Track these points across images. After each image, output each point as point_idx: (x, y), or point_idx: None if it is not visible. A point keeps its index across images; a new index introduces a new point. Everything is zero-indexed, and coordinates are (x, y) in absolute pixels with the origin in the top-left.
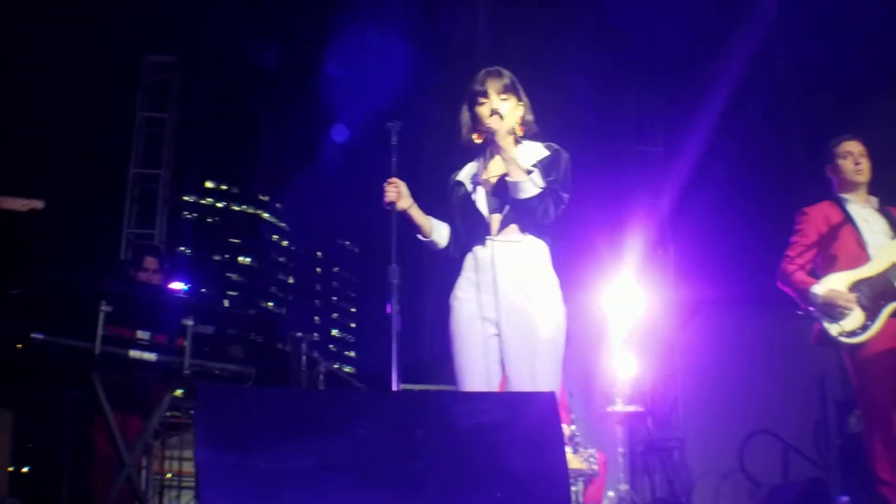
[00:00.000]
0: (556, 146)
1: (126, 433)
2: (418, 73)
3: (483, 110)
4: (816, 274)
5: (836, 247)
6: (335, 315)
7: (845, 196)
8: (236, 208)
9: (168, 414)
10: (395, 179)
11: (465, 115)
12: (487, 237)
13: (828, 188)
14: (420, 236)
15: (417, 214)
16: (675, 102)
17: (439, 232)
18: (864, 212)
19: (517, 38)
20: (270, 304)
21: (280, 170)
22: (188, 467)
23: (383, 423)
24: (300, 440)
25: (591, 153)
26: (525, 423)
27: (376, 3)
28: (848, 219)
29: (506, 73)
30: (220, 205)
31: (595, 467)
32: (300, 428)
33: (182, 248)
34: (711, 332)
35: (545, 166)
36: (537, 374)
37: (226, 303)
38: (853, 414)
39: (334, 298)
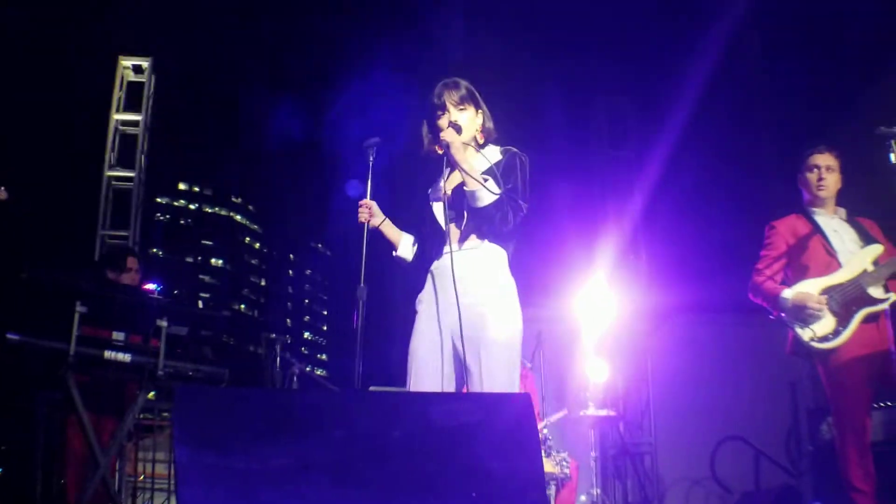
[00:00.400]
0: (513, 149)
1: (100, 434)
2: (396, 84)
3: (442, 123)
4: (788, 284)
5: (806, 257)
6: (307, 318)
7: (813, 208)
8: (209, 210)
9: (141, 416)
10: (365, 201)
11: (424, 129)
12: (445, 247)
13: (798, 197)
14: (394, 252)
15: (389, 231)
16: (647, 107)
17: (405, 246)
18: (832, 222)
19: (493, 48)
20: (242, 306)
21: (253, 172)
22: (161, 469)
23: (360, 424)
24: (277, 440)
25: (563, 157)
26: (500, 425)
27: (354, 14)
28: (816, 229)
29: (463, 83)
30: (192, 207)
31: (567, 471)
32: (277, 428)
33: (155, 250)
34: (683, 337)
35: (502, 172)
36: (494, 378)
37: (200, 304)
38: (825, 421)
39: (306, 301)
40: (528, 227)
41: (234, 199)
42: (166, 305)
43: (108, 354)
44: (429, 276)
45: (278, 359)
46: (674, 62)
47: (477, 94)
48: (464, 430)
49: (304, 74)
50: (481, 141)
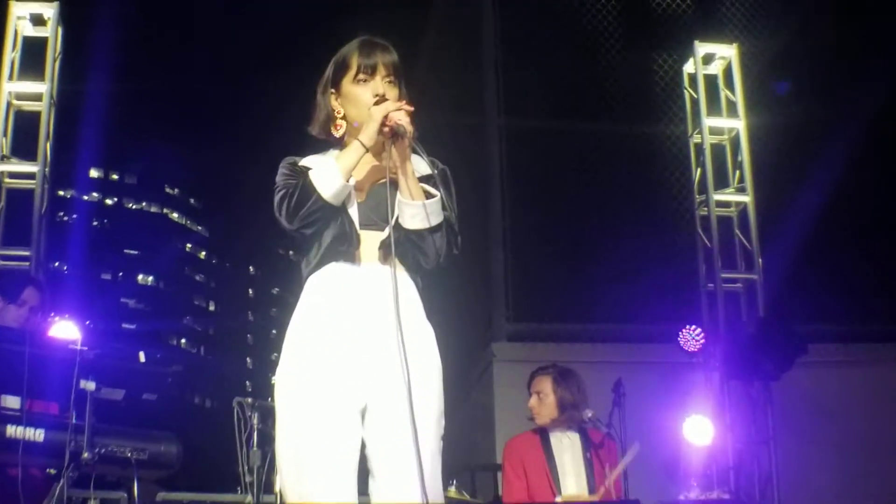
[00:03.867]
0: (441, 164)
1: None
2: None
3: (363, 91)
4: None
5: None
6: (274, 356)
7: None
8: (133, 206)
9: None
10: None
11: (326, 98)
12: (356, 262)
13: None
14: (325, 192)
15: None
16: None
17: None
18: None
19: None
20: (183, 340)
21: (196, 153)
22: None
23: None
24: None
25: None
26: None
27: None
28: None
29: (391, 48)
30: (110, 202)
31: None
32: None
33: (56, 264)
34: (821, 382)
35: (442, 190)
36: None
37: (141, 356)
38: None
39: (273, 332)
40: (596, 242)
41: (168, 191)
42: (92, 359)
43: (11, 431)
44: (322, 294)
45: (256, 431)
46: None
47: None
48: None
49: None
50: None
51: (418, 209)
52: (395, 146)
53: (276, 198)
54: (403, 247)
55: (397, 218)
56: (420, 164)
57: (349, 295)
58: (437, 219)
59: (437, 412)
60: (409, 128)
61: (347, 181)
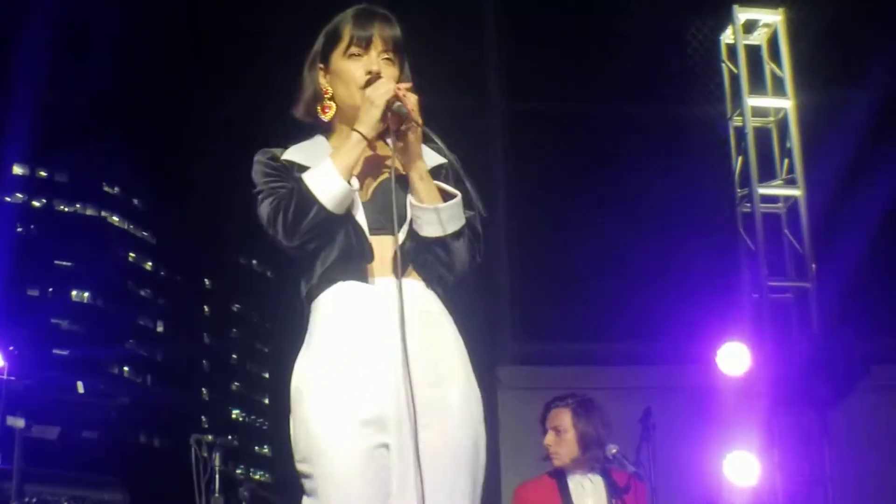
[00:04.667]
0: (453, 157)
1: None
2: None
3: (355, 67)
4: None
5: None
6: (236, 385)
7: None
8: (65, 209)
9: None
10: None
11: (316, 74)
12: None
13: None
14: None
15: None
16: None
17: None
18: None
19: None
20: (126, 368)
21: (139, 143)
22: None
23: None
24: None
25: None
26: None
27: None
28: None
29: (394, 20)
30: (37, 203)
31: None
32: None
33: None
34: (885, 410)
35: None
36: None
37: (80, 387)
38: None
39: (234, 357)
40: (617, 245)
41: (107, 189)
42: (21, 391)
43: None
44: (336, 322)
45: (217, 475)
46: None
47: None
48: None
49: None
50: None
51: (435, 214)
52: (403, 138)
53: (266, 209)
54: (422, 257)
55: (410, 223)
56: (428, 154)
57: (367, 320)
58: (458, 223)
59: (471, 445)
60: (417, 116)
61: (349, 183)
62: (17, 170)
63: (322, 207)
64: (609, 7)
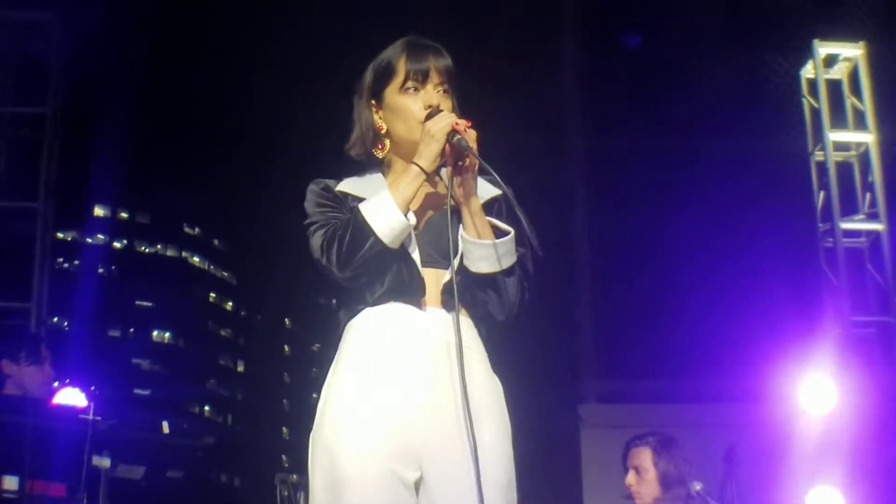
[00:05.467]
0: (507, 188)
1: None
2: None
3: (412, 102)
4: None
5: None
6: None
7: None
8: (147, 250)
9: None
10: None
11: (369, 111)
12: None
13: None
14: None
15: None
16: None
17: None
18: None
19: None
20: (207, 408)
21: (222, 186)
22: None
23: None
24: None
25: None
26: None
27: None
28: None
29: (445, 52)
30: (119, 245)
31: None
32: None
33: (55, 319)
34: None
35: (507, 222)
36: None
37: (165, 427)
38: None
39: (314, 396)
40: (699, 282)
41: (188, 231)
42: (106, 431)
43: None
44: (370, 342)
45: None
46: None
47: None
48: None
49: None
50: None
51: (488, 250)
52: (460, 172)
53: (318, 239)
54: (471, 292)
55: (461, 257)
56: (483, 186)
57: (403, 346)
58: (511, 259)
59: (505, 483)
60: (475, 151)
61: (406, 216)
62: (99, 211)
63: (378, 240)
64: (688, 43)
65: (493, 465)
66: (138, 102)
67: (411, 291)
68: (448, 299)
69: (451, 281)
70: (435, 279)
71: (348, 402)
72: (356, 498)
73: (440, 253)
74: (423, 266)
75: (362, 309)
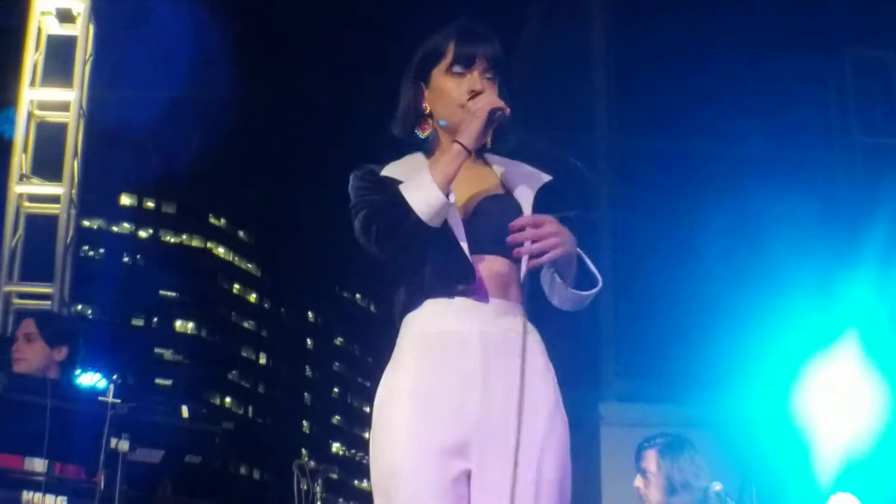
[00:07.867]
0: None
1: None
2: None
3: (457, 85)
4: None
5: None
6: (337, 419)
7: None
8: (172, 240)
9: None
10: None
11: (414, 90)
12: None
13: None
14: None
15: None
16: None
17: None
18: None
19: None
20: (228, 399)
21: (245, 175)
22: None
23: None
24: None
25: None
26: None
27: None
28: None
29: (494, 37)
30: (144, 234)
31: None
32: None
33: (80, 307)
34: None
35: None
36: None
37: (184, 411)
38: None
39: (335, 390)
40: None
41: (213, 221)
42: (125, 414)
43: (27, 497)
44: (427, 342)
45: (318, 502)
46: None
47: None
48: None
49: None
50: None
51: (575, 296)
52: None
53: (359, 219)
54: (532, 284)
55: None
56: (531, 173)
57: (463, 339)
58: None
59: (559, 479)
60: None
61: (447, 196)
62: (125, 200)
63: (416, 217)
64: (723, 44)
65: (548, 460)
66: (165, 90)
67: (459, 277)
68: (504, 290)
69: (509, 274)
70: (489, 268)
71: (409, 388)
72: (408, 485)
73: (491, 238)
74: (473, 252)
75: (419, 300)
